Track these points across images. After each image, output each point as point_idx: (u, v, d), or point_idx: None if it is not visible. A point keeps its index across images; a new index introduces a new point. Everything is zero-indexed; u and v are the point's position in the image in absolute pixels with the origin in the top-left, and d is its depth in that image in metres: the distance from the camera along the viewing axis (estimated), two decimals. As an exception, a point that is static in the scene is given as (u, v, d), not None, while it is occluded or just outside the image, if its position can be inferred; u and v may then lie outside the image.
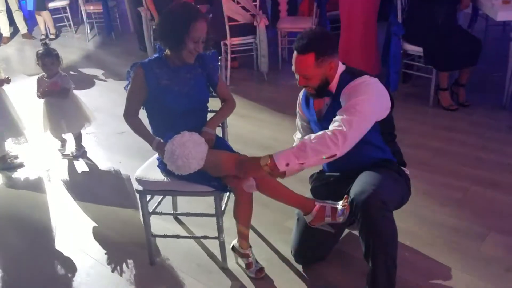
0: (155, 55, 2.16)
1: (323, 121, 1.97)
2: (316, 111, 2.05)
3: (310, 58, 1.85)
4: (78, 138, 3.41)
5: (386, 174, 1.87)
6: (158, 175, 2.10)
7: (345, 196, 1.87)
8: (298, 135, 2.28)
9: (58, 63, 3.18)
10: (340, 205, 1.88)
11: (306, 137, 1.81)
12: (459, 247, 2.26)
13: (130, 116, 2.15)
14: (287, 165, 1.75)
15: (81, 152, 3.40)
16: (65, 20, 6.97)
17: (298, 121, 2.27)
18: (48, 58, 3.11)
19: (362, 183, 1.81)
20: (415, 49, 3.74)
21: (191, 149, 1.88)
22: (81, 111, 3.29)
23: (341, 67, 1.95)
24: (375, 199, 1.72)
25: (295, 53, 1.89)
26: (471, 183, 2.75)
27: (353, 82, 1.86)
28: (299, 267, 2.19)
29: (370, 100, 1.81)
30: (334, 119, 1.80)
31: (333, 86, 1.94)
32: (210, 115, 2.28)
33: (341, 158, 1.89)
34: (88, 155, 3.42)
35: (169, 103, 2.08)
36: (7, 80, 3.09)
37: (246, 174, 1.88)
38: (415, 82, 4.18)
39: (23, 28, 6.55)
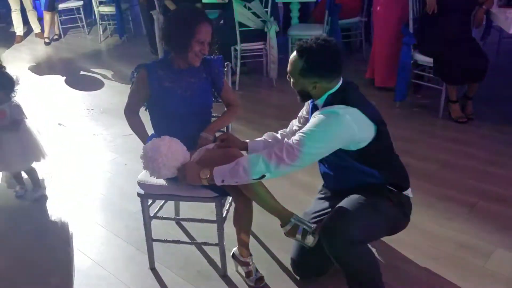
0: (161, 58, 2.17)
1: None
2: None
3: (299, 64, 1.81)
4: (31, 175, 2.94)
5: (364, 205, 1.80)
6: (159, 180, 2.09)
7: (316, 226, 1.86)
8: (295, 123, 2.23)
9: (8, 88, 2.68)
10: (312, 229, 1.85)
11: (244, 156, 1.85)
12: (464, 263, 2.22)
13: (130, 113, 2.20)
14: (223, 181, 1.79)
15: (38, 195, 2.90)
16: (79, 21, 7.03)
17: (301, 111, 2.21)
18: None
19: (331, 217, 1.80)
20: (425, 60, 3.70)
21: (163, 154, 1.86)
22: (31, 147, 2.80)
23: (333, 89, 1.84)
24: (339, 237, 1.73)
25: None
26: (478, 197, 2.70)
27: (323, 109, 1.80)
28: (300, 277, 2.16)
29: (322, 139, 1.73)
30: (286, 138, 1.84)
31: (319, 104, 1.88)
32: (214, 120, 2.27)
33: (328, 178, 2.03)
34: (95, 156, 3.42)
35: (170, 106, 2.09)
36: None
37: (184, 180, 1.88)
38: (426, 93, 4.14)
39: (36, 27, 6.62)
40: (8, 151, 2.70)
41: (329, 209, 2.00)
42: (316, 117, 1.77)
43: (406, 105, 3.96)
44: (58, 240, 2.53)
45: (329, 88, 1.83)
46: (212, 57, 2.18)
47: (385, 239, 2.38)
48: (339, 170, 1.91)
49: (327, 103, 1.82)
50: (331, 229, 1.76)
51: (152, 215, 2.20)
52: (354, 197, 1.84)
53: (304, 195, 2.68)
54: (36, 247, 2.50)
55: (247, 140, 2.19)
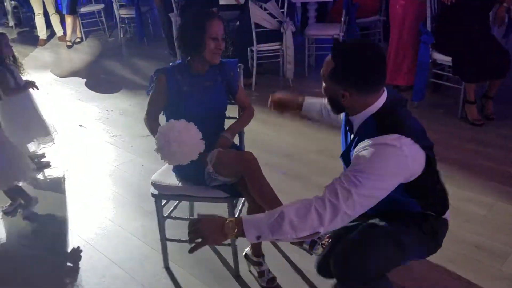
0: (178, 61, 2.19)
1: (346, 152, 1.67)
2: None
3: (330, 65, 1.53)
4: (17, 193, 2.85)
5: (384, 237, 1.62)
6: (173, 180, 2.12)
7: (327, 236, 1.77)
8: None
9: None
10: (321, 239, 1.80)
11: (288, 204, 1.44)
12: (480, 265, 2.18)
13: (150, 120, 2.19)
14: (258, 238, 1.41)
15: (26, 213, 2.82)
16: (100, 24, 7.16)
17: None
18: None
19: (345, 248, 1.63)
20: (444, 59, 3.65)
21: (177, 131, 1.87)
22: (13, 165, 2.71)
23: (374, 106, 1.52)
24: (352, 274, 1.58)
25: None
26: (496, 198, 2.65)
27: (372, 140, 1.45)
28: (312, 279, 2.16)
29: (379, 177, 1.41)
30: (335, 179, 1.44)
31: (355, 122, 1.58)
32: (227, 122, 2.29)
33: None
34: (113, 157, 3.48)
35: (188, 110, 2.10)
36: (34, 85, 3.15)
37: (206, 242, 1.46)
38: (445, 92, 4.07)
39: (59, 31, 6.77)
40: None
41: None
42: (367, 150, 1.44)
43: (425, 105, 3.91)
44: (76, 238, 2.59)
45: (366, 104, 1.52)
46: (227, 60, 2.20)
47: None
48: None
49: (370, 125, 1.51)
50: (343, 263, 1.59)
51: (166, 215, 2.23)
52: (375, 225, 1.65)
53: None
54: (53, 245, 2.56)
55: (304, 97, 2.03)
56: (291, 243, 1.90)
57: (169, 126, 1.92)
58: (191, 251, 1.50)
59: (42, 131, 3.25)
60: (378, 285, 1.62)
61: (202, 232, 1.43)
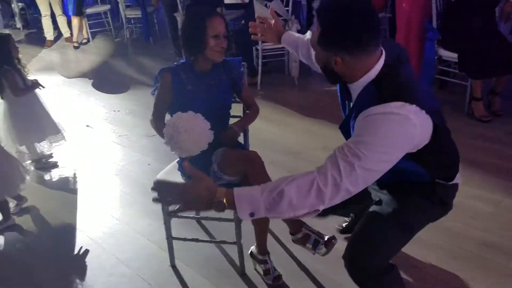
0: (182, 61, 2.19)
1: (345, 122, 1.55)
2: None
3: (318, 32, 1.38)
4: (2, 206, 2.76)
5: (391, 225, 1.57)
6: (178, 179, 2.13)
7: (329, 237, 1.80)
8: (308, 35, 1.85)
9: None
10: (324, 239, 1.82)
11: (288, 180, 1.28)
12: (487, 263, 2.17)
13: (156, 120, 2.20)
14: (252, 215, 1.27)
15: (3, 226, 2.71)
16: (106, 25, 7.20)
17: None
18: None
19: (353, 244, 1.60)
20: (450, 55, 3.63)
21: (185, 120, 1.88)
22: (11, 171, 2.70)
23: (373, 71, 1.39)
24: (362, 271, 1.56)
25: None
26: (503, 195, 2.64)
27: (374, 109, 1.32)
28: (318, 276, 2.16)
29: (384, 149, 1.29)
30: (337, 150, 1.32)
31: (354, 90, 1.46)
32: (232, 120, 2.30)
33: None
34: (120, 156, 3.51)
35: (192, 108, 2.10)
36: (38, 84, 3.17)
37: (185, 207, 1.33)
38: (452, 89, 4.05)
39: (66, 32, 6.82)
40: None
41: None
42: (371, 120, 1.33)
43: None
44: (83, 237, 2.62)
45: (362, 69, 1.38)
46: (231, 58, 2.20)
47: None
48: None
49: (369, 93, 1.38)
50: (350, 265, 1.59)
51: (172, 213, 2.24)
52: (377, 215, 1.61)
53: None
54: (61, 244, 2.59)
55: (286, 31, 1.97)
56: (293, 241, 1.91)
57: (176, 116, 1.92)
58: (159, 202, 1.36)
59: (53, 129, 3.29)
60: (388, 279, 1.60)
61: (185, 202, 1.31)
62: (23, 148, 3.29)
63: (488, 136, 3.32)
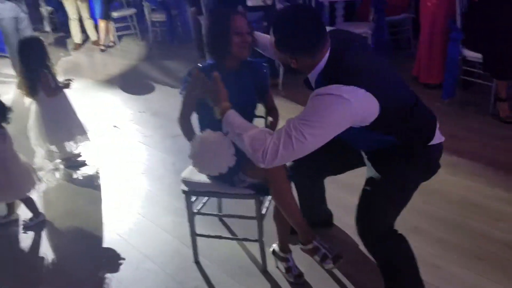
0: (209, 61, 2.21)
1: None
2: None
3: (273, 39, 1.64)
4: (27, 204, 2.84)
5: (385, 190, 1.78)
6: (202, 177, 2.18)
7: (337, 253, 1.92)
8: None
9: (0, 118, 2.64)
10: (332, 255, 1.91)
11: (250, 132, 1.63)
12: (511, 264, 2.15)
13: (184, 120, 2.21)
14: (227, 133, 1.76)
15: (34, 223, 2.82)
16: (132, 28, 7.36)
17: None
18: None
19: (358, 207, 1.83)
20: (474, 55, 3.59)
21: (219, 147, 1.94)
22: (19, 178, 2.74)
23: (322, 62, 1.61)
24: (368, 234, 1.81)
25: None
26: (528, 197, 2.61)
27: (316, 91, 1.58)
28: (339, 275, 2.19)
29: (320, 124, 1.53)
30: (286, 122, 1.60)
31: (311, 79, 1.70)
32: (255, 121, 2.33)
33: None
34: (146, 156, 3.59)
35: None
36: (68, 85, 3.29)
37: (201, 95, 1.87)
38: (476, 89, 4.00)
39: (93, 35, 6.99)
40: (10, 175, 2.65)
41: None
42: (312, 101, 1.57)
43: (455, 102, 3.85)
44: (111, 233, 2.70)
45: (314, 63, 1.62)
46: (256, 59, 2.22)
47: (429, 239, 2.36)
48: (352, 136, 1.76)
49: (321, 81, 1.60)
50: (358, 222, 1.81)
51: (195, 211, 2.30)
52: (374, 179, 1.80)
53: (352, 198, 2.69)
54: (90, 240, 2.68)
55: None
56: (302, 250, 1.98)
57: (205, 137, 1.98)
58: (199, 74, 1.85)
59: (80, 130, 3.42)
60: (392, 244, 1.81)
61: (210, 95, 1.78)
62: (53, 147, 3.42)
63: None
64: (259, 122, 2.33)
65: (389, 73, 1.71)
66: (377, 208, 1.79)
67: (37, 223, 2.82)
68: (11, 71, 5.48)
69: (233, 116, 1.71)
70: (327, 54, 1.61)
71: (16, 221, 2.87)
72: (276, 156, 1.55)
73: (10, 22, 4.98)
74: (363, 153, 1.91)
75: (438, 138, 1.77)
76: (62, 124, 3.31)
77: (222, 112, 1.73)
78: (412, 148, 1.74)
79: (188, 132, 2.21)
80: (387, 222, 1.81)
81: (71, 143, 3.45)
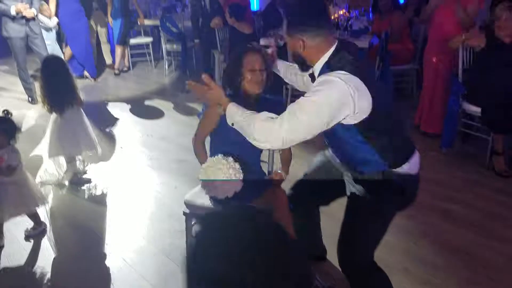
0: (229, 92, 2.26)
1: None
2: None
3: (286, 25, 1.85)
4: (33, 218, 2.95)
5: (362, 223, 1.91)
6: (205, 201, 2.28)
7: (330, 284, 2.07)
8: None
9: (9, 134, 2.73)
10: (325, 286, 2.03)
11: (258, 120, 1.74)
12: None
13: (198, 141, 2.34)
14: (232, 124, 1.83)
15: (38, 231, 2.94)
16: (147, 55, 7.61)
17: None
18: None
19: (339, 239, 1.96)
20: (473, 109, 3.74)
21: (231, 173, 2.05)
22: (27, 193, 2.82)
23: (327, 53, 1.76)
24: (350, 268, 1.95)
25: None
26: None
27: (321, 76, 1.71)
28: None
29: (319, 101, 1.65)
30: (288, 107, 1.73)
31: (316, 72, 1.81)
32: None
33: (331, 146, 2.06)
34: (150, 178, 3.70)
35: (232, 139, 2.15)
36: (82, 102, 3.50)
37: (202, 100, 2.01)
38: (474, 142, 4.13)
39: (108, 59, 7.24)
40: (4, 197, 2.70)
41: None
42: (316, 84, 1.70)
43: (453, 153, 3.98)
44: (109, 251, 2.78)
45: (320, 50, 1.76)
46: (273, 97, 2.32)
47: (417, 281, 2.42)
48: (334, 140, 1.91)
49: (325, 71, 1.73)
50: (339, 254, 1.95)
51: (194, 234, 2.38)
52: (352, 210, 1.93)
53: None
54: (88, 256, 2.75)
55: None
56: None
57: (217, 160, 2.09)
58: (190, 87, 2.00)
59: (90, 146, 3.52)
60: (375, 278, 1.94)
61: (209, 98, 1.92)
62: (63, 161, 3.53)
63: (507, 191, 3.38)
64: (265, 153, 2.46)
65: (379, 85, 1.90)
66: (357, 242, 1.92)
67: (40, 231, 2.92)
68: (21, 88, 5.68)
69: (232, 108, 1.84)
70: (334, 47, 1.76)
71: (44, 230, 2.96)
72: (280, 134, 1.66)
73: (18, 42, 5.24)
74: (349, 180, 1.99)
75: (414, 168, 1.87)
76: (76, 138, 3.44)
77: (223, 108, 1.86)
78: (390, 174, 1.83)
79: (200, 152, 2.32)
80: (368, 254, 1.92)
81: (80, 157, 3.56)
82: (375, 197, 1.85)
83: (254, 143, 1.74)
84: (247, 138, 1.77)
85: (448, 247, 2.72)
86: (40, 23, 5.60)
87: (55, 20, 5.99)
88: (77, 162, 3.63)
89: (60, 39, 6.48)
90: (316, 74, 1.81)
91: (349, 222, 1.93)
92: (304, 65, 1.87)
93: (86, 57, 6.50)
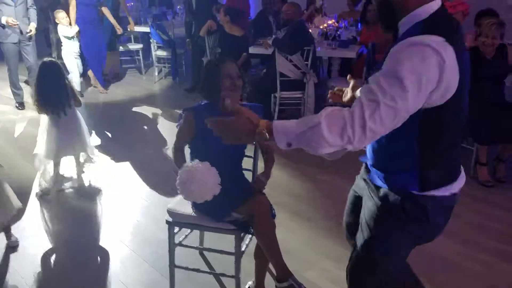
0: (205, 102, 2.36)
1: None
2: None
3: None
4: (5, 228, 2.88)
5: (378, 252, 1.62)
6: (187, 209, 2.28)
7: None
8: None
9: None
10: None
11: (324, 118, 1.29)
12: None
13: (176, 150, 2.37)
14: (289, 145, 1.35)
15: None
16: (137, 62, 7.61)
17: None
18: None
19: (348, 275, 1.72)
20: (458, 120, 3.78)
21: (206, 176, 2.06)
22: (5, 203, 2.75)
23: (428, 7, 1.35)
24: None
25: None
26: (498, 259, 2.71)
27: (409, 39, 1.29)
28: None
29: (413, 82, 1.25)
30: (361, 90, 1.34)
31: (402, 28, 1.41)
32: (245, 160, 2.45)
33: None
34: (136, 186, 3.68)
35: (212, 148, 2.18)
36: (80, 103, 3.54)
37: (237, 141, 1.46)
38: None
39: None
40: None
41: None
42: (398, 50, 1.30)
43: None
44: (92, 258, 2.76)
45: (423, 2, 1.36)
46: (252, 104, 2.35)
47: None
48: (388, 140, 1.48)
49: (416, 29, 1.33)
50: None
51: (177, 242, 2.38)
52: (365, 242, 1.64)
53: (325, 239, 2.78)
54: (69, 264, 2.74)
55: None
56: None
57: (193, 166, 2.09)
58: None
59: (83, 147, 3.57)
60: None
61: (235, 133, 1.42)
62: (50, 167, 3.52)
63: (490, 201, 3.41)
64: (249, 162, 2.47)
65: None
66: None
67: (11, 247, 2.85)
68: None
69: (281, 124, 1.37)
70: (438, 4, 1.37)
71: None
72: (365, 133, 1.26)
73: (11, 47, 5.32)
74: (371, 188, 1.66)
75: (457, 187, 1.58)
76: (71, 138, 3.47)
77: (268, 132, 1.36)
78: (407, 196, 1.53)
79: (179, 160, 2.33)
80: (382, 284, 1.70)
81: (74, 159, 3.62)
82: (386, 232, 1.57)
83: (328, 145, 1.30)
84: (316, 152, 1.34)
85: (428, 256, 2.74)
86: (60, 32, 5.67)
87: (75, 29, 5.73)
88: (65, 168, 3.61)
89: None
90: (400, 32, 1.42)
91: (358, 259, 1.68)
92: (390, 18, 1.45)
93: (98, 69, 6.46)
